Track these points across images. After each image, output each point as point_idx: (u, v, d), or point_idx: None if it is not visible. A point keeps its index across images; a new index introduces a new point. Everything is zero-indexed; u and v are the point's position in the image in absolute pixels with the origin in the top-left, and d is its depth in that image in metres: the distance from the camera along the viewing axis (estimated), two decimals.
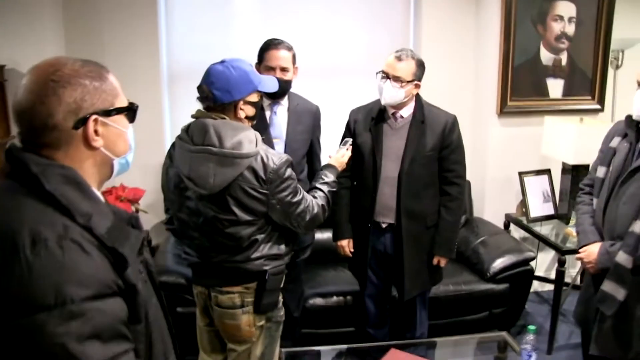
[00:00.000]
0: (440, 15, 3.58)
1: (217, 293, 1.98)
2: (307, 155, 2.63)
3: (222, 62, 1.88)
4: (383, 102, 2.41)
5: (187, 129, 1.92)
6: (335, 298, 2.96)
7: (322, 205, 2.05)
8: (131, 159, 1.10)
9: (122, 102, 1.06)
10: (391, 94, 2.38)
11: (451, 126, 2.48)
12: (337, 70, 3.64)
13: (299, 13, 3.53)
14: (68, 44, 3.18)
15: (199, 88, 1.88)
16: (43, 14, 2.96)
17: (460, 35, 3.64)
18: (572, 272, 3.77)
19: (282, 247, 2.00)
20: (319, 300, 2.94)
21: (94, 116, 0.99)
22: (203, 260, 1.99)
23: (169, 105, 3.50)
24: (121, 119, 1.06)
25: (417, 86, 2.43)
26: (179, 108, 3.48)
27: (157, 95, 3.37)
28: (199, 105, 1.93)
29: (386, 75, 2.38)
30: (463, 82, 3.69)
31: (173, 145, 2.01)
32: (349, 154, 2.36)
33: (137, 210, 3.06)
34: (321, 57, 3.57)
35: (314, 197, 2.06)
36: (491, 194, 3.72)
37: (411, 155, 2.43)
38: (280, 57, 2.42)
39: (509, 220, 3.68)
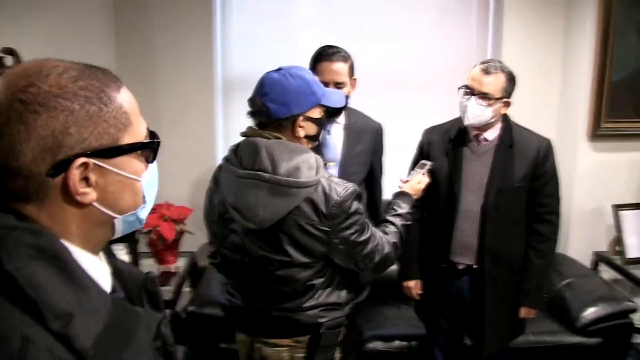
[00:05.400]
0: (523, 21, 3.14)
1: (261, 344, 1.67)
2: (366, 180, 2.25)
3: (279, 69, 1.57)
4: (466, 123, 2.04)
5: (235, 150, 1.62)
6: (397, 342, 2.59)
7: (394, 242, 1.70)
8: (145, 214, 0.77)
9: (134, 135, 0.73)
10: (476, 114, 2.01)
11: (545, 152, 2.09)
12: (402, 83, 3.27)
13: (363, 21, 3.18)
14: (118, 47, 2.98)
15: (251, 100, 1.58)
16: (91, 11, 2.75)
17: (546, 44, 3.18)
18: None
19: (343, 294, 1.66)
20: (379, 345, 2.58)
21: (82, 159, 0.67)
22: (247, 305, 1.69)
23: (222, 116, 3.25)
24: (131, 160, 0.73)
25: (507, 104, 2.05)
26: (234, 120, 3.22)
27: (210, 104, 3.11)
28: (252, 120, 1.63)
29: (470, 91, 2.02)
30: (547, 100, 3.24)
31: (220, 168, 1.71)
32: (426, 179, 2.00)
33: (182, 232, 2.81)
34: (385, 68, 3.22)
35: (385, 232, 1.71)
36: (577, 228, 3.23)
37: (497, 186, 2.04)
38: (335, 70, 2.06)
39: (598, 259, 3.20)
